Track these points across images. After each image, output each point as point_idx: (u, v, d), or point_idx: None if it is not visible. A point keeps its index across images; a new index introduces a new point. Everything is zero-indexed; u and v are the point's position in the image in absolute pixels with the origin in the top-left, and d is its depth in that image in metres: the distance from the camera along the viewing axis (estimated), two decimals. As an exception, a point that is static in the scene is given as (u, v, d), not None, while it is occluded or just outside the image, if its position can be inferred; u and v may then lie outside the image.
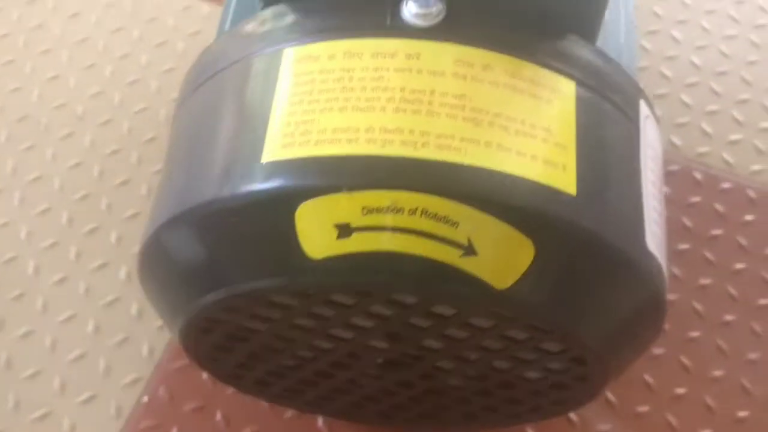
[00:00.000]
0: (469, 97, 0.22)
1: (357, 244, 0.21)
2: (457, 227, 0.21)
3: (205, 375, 0.36)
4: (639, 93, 0.26)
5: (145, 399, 0.36)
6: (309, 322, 0.25)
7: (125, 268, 0.39)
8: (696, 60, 0.47)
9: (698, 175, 0.43)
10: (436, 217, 0.21)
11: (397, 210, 0.21)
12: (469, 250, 0.21)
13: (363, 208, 0.21)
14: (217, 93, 0.25)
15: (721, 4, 0.49)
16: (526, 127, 0.22)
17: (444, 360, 0.27)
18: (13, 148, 0.42)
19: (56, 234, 0.40)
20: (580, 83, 0.24)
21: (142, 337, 0.37)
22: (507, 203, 0.21)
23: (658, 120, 0.28)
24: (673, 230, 0.41)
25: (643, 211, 0.24)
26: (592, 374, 0.26)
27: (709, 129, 0.45)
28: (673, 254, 0.40)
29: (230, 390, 0.35)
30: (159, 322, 0.37)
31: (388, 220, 0.21)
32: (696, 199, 0.42)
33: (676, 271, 0.40)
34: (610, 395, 0.37)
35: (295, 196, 0.22)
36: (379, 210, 0.21)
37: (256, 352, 0.28)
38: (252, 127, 0.23)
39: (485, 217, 0.21)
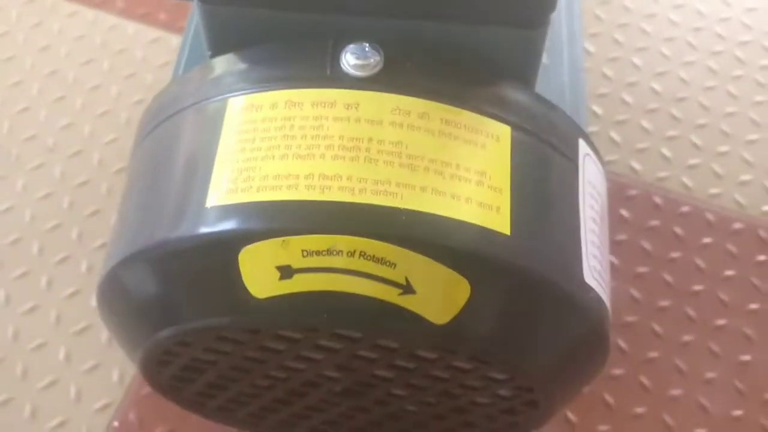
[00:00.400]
0: (406, 144, 0.23)
1: (299, 284, 0.22)
2: (394, 268, 0.22)
3: None
4: (578, 133, 0.27)
5: (116, 424, 0.36)
6: (261, 354, 0.26)
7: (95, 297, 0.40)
8: (656, 86, 0.48)
9: (658, 199, 0.44)
10: (373, 258, 0.22)
11: (336, 252, 0.22)
12: (408, 289, 0.22)
13: (303, 251, 0.22)
14: (169, 137, 0.26)
15: (679, 32, 0.50)
16: (460, 171, 0.23)
17: (397, 387, 0.27)
18: (-15, 180, 0.43)
19: (27, 263, 0.41)
20: (515, 127, 0.25)
21: (112, 363, 0.38)
22: (441, 244, 0.22)
23: (600, 157, 0.29)
24: (633, 253, 0.42)
25: (581, 246, 0.25)
26: (541, 401, 0.27)
27: (668, 154, 0.46)
28: (633, 277, 0.41)
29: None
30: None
31: (328, 261, 0.22)
32: (655, 222, 0.43)
33: (635, 293, 0.41)
34: (570, 415, 0.38)
35: (238, 240, 0.23)
36: (318, 252, 0.22)
37: (214, 382, 0.28)
38: (198, 173, 0.24)
39: (421, 258, 0.22)
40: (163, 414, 0.37)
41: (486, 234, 0.23)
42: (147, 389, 0.37)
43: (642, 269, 0.42)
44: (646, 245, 0.42)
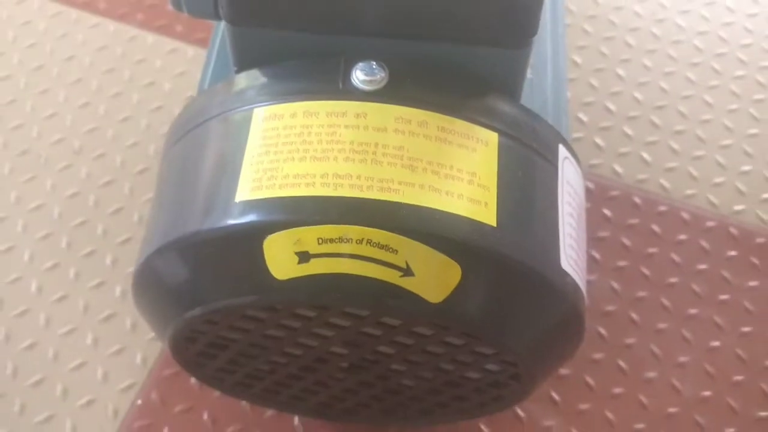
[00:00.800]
0: (407, 148, 0.27)
1: (314, 267, 0.26)
2: (396, 254, 0.26)
3: (192, 380, 0.40)
4: (559, 139, 0.31)
5: (139, 402, 0.40)
6: (278, 332, 0.30)
7: (120, 287, 0.43)
8: (638, 95, 0.52)
9: (637, 200, 0.48)
10: (378, 245, 0.26)
11: (347, 240, 0.26)
12: (408, 272, 0.26)
13: (318, 239, 0.26)
14: (199, 142, 0.30)
15: (660, 45, 0.54)
16: (454, 171, 0.27)
17: (396, 363, 0.31)
18: (15, 180, 0.47)
19: (57, 256, 0.44)
20: (502, 134, 0.29)
21: (136, 347, 0.42)
22: (436, 234, 0.26)
23: (578, 161, 0.33)
24: (614, 249, 0.46)
25: (559, 237, 0.29)
26: (524, 374, 0.31)
27: (648, 157, 0.50)
28: (613, 270, 0.45)
29: (215, 393, 0.39)
30: (151, 335, 0.42)
31: (340, 248, 0.26)
32: (635, 221, 0.47)
33: (615, 285, 0.45)
34: (554, 395, 0.41)
35: (263, 229, 0.26)
36: (331, 240, 0.26)
37: (234, 358, 0.32)
38: (227, 173, 0.28)
39: (419, 246, 0.26)
40: (183, 393, 0.40)
41: (475, 225, 0.27)
42: (168, 371, 0.41)
43: (622, 263, 0.45)
44: (626, 241, 0.46)
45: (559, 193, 0.30)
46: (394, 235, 0.26)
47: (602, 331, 0.43)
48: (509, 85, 0.30)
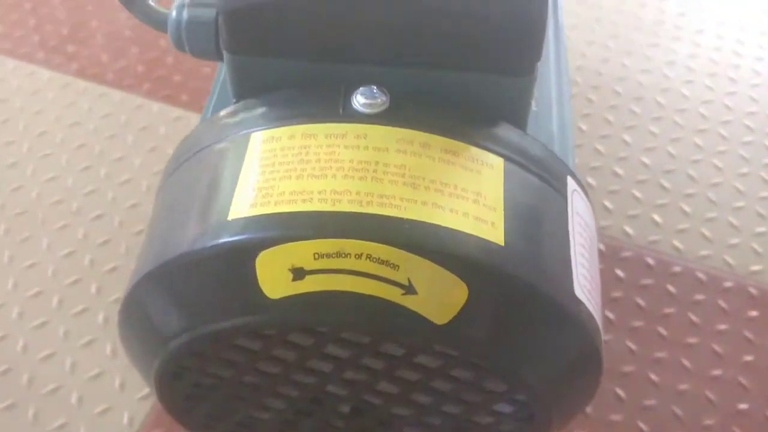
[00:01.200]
0: (409, 167, 0.26)
1: (310, 285, 0.24)
2: (397, 270, 0.24)
3: None
4: (566, 170, 0.30)
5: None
6: (271, 367, 0.28)
7: (110, 345, 0.41)
8: (645, 160, 0.51)
9: (650, 260, 0.46)
10: (378, 260, 0.24)
11: (345, 255, 0.24)
12: (410, 290, 0.24)
13: (314, 254, 0.24)
14: (193, 170, 0.28)
15: (665, 113, 0.54)
16: (458, 191, 0.26)
17: (400, 406, 0.29)
18: (10, 240, 0.46)
19: (46, 314, 0.42)
20: (508, 159, 0.28)
21: (123, 407, 0.39)
22: (441, 249, 0.25)
23: (587, 195, 0.31)
24: (628, 309, 0.44)
25: (571, 263, 0.27)
26: (538, 415, 0.28)
27: (659, 219, 0.48)
28: (628, 330, 0.43)
29: None
30: (140, 394, 0.39)
31: (337, 263, 0.24)
32: (648, 281, 0.45)
33: (631, 345, 0.42)
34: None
35: (256, 246, 0.25)
36: (328, 255, 0.24)
37: (225, 402, 0.30)
38: (221, 194, 0.26)
39: (422, 261, 0.24)
40: None
41: (482, 243, 0.25)
42: (157, 430, 0.38)
43: (637, 323, 0.43)
44: (641, 302, 0.44)
45: (569, 222, 0.29)
46: (395, 249, 0.24)
47: (620, 392, 0.40)
48: (514, 113, 0.30)
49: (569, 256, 0.28)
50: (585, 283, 0.28)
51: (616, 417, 0.39)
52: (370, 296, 0.24)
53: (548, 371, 0.27)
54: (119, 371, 0.40)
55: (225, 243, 0.25)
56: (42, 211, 0.47)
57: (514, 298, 0.25)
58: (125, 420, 0.39)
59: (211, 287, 0.26)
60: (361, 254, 0.24)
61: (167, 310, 0.27)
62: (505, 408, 0.28)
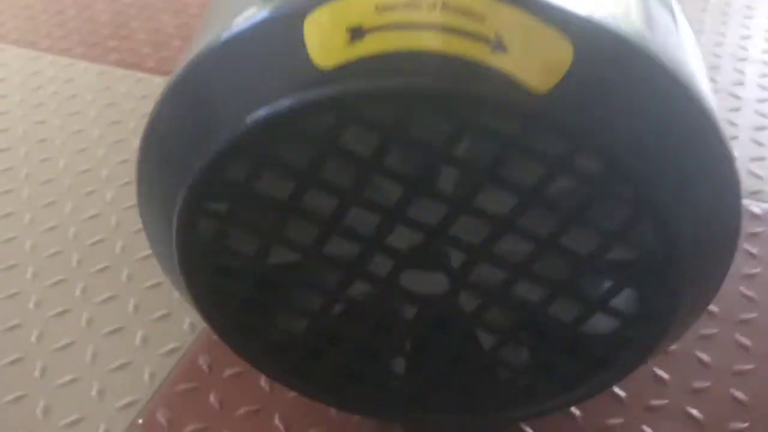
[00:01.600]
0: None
1: (370, 45, 0.19)
2: (483, 21, 0.19)
3: (211, 398, 0.32)
4: None
5: (140, 421, 0.32)
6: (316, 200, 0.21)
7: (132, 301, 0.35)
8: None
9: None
10: (459, 11, 0.19)
11: (414, 6, 0.19)
12: (499, 46, 0.19)
13: (376, 6, 0.19)
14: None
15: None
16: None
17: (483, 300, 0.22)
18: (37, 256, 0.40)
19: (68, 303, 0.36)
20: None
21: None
22: None
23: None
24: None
25: (696, 69, 0.22)
26: (671, 233, 0.20)
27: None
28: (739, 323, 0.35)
29: (239, 411, 0.31)
30: (160, 350, 0.34)
31: (405, 16, 0.19)
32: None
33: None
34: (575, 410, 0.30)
35: (303, 7, 0.19)
36: (394, 7, 0.19)
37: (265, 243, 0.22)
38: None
39: (515, 10, 0.19)
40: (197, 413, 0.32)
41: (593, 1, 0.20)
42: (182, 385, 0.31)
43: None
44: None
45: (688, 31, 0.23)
46: (478, -5, 0.19)
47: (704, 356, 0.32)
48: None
49: (698, 59, 0.22)
50: (709, 89, 0.22)
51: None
52: (449, 55, 0.18)
53: (677, 176, 0.20)
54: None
55: (266, 15, 0.20)
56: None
57: (634, 72, 0.19)
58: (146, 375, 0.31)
59: (255, 68, 0.20)
60: (435, 3, 0.19)
61: (209, 102, 0.21)
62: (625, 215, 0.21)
